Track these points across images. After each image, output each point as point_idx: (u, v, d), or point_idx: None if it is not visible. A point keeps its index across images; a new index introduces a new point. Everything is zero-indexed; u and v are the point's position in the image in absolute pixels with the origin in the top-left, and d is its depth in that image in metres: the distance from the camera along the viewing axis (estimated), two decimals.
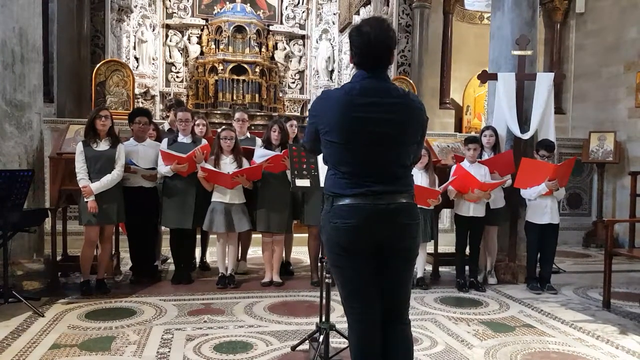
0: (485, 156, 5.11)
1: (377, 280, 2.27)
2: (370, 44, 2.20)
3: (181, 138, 4.89)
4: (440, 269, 5.45)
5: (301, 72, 13.40)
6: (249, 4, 12.66)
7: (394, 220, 2.21)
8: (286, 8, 13.23)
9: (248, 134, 5.52)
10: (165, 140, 4.90)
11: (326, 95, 2.31)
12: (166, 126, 5.75)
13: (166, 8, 12.48)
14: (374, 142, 2.19)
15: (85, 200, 4.37)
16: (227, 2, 12.59)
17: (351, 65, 2.34)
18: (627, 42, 7.62)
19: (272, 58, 12.93)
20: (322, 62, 12.98)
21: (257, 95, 12.30)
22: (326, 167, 2.37)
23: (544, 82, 5.25)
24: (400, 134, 2.23)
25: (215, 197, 4.78)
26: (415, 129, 2.29)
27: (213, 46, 12.34)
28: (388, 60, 2.26)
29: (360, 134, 2.18)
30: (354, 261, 2.24)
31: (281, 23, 13.17)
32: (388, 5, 9.88)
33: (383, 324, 2.29)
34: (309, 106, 13.38)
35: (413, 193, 2.31)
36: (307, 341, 3.36)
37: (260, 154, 4.82)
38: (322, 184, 3.18)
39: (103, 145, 4.49)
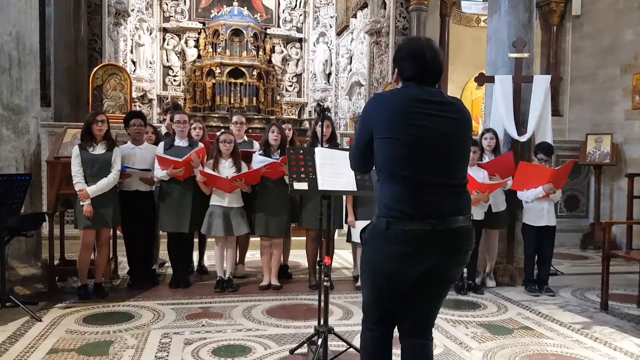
0: (486, 159, 5.11)
1: (409, 298, 2.21)
2: (429, 64, 2.15)
3: (178, 142, 4.89)
4: None
5: (298, 75, 13.44)
6: (246, 8, 12.70)
7: (451, 247, 2.10)
8: (283, 11, 13.26)
9: (245, 138, 5.52)
10: (161, 144, 4.89)
11: (380, 96, 2.25)
12: (163, 130, 5.74)
13: (163, 12, 12.52)
14: (437, 139, 2.08)
15: (82, 203, 4.37)
16: (224, 6, 12.62)
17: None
18: (623, 45, 7.64)
19: (270, 61, 12.95)
20: (319, 65, 13.00)
21: (254, 99, 12.32)
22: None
23: (541, 84, 5.26)
24: (463, 136, 2.17)
25: (214, 201, 4.78)
26: (469, 136, 2.24)
27: (210, 49, 12.36)
28: (438, 79, 2.23)
29: (421, 130, 2.06)
30: (396, 283, 2.16)
31: (278, 26, 13.21)
32: (385, 8, 9.91)
33: (408, 339, 2.27)
34: (306, 109, 13.38)
35: (471, 215, 2.18)
36: (306, 344, 3.35)
37: (259, 160, 4.81)
38: (320, 187, 3.19)
39: (99, 149, 4.49)
